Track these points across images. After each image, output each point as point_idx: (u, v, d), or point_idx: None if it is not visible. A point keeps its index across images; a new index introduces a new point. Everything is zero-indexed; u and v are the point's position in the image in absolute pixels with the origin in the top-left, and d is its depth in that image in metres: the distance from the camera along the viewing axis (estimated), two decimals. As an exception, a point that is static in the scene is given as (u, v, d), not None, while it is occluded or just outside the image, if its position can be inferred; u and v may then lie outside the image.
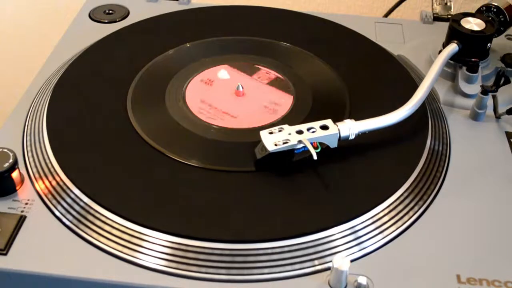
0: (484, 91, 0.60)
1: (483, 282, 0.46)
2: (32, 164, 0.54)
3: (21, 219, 0.49)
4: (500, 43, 0.69)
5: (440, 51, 0.65)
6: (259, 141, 0.53)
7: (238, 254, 0.47)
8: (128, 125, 0.58)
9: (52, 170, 0.53)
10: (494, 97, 0.61)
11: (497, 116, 0.62)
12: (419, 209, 0.52)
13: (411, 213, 0.51)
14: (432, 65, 0.61)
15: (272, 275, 0.46)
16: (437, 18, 0.78)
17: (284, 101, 0.61)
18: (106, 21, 0.76)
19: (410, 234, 0.50)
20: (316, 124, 0.54)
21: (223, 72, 0.57)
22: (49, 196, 0.51)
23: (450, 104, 0.64)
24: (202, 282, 0.46)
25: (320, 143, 0.53)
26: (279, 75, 0.65)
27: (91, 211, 0.49)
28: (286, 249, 0.47)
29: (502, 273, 0.47)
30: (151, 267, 0.46)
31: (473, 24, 0.64)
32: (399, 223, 0.50)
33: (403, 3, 0.85)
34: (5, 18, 1.08)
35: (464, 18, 0.65)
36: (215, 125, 0.58)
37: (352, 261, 0.46)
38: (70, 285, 0.46)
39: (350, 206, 0.50)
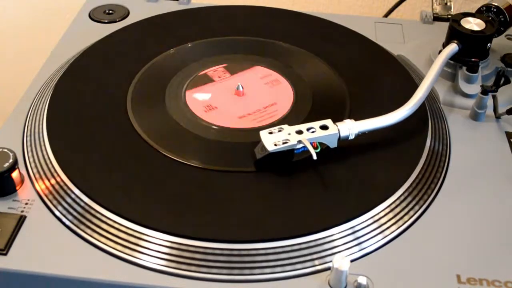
0: (484, 91, 0.60)
1: (483, 282, 0.46)
2: (32, 164, 0.54)
3: (21, 219, 0.49)
4: (500, 43, 0.69)
5: (440, 51, 0.65)
6: (259, 141, 0.53)
7: (238, 254, 0.47)
8: (128, 125, 0.58)
9: (52, 170, 0.53)
10: (494, 97, 0.61)
11: (497, 116, 0.62)
12: (419, 209, 0.52)
13: (411, 213, 0.51)
14: (432, 65, 0.61)
15: (272, 275, 0.46)
16: (437, 18, 0.78)
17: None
18: (106, 21, 0.76)
19: (410, 234, 0.50)
20: (316, 124, 0.53)
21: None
22: (49, 196, 0.51)
23: (450, 104, 0.64)
24: (202, 282, 0.46)
25: (320, 143, 0.53)
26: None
27: (91, 211, 0.49)
28: (286, 249, 0.47)
29: (502, 273, 0.47)
30: (151, 267, 0.46)
31: (473, 24, 0.64)
32: (399, 223, 0.50)
33: (403, 3, 0.85)
34: (5, 18, 1.08)
35: (464, 18, 0.64)
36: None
37: (352, 261, 0.46)
38: (70, 285, 0.46)
39: (350, 206, 0.50)
